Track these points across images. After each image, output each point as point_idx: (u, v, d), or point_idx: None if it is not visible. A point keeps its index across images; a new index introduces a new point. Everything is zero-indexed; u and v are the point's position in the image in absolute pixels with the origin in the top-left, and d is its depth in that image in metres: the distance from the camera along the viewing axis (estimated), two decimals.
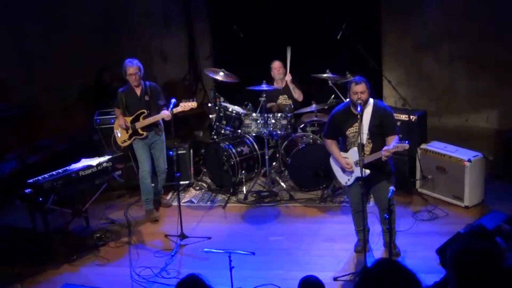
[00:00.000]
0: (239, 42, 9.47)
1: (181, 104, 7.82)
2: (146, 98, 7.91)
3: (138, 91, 7.92)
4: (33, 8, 9.30)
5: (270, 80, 9.03)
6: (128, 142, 8.05)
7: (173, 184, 8.22)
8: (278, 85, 9.12)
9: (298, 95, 9.06)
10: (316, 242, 7.22)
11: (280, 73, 9.10)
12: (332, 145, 6.61)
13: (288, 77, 9.06)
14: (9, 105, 9.21)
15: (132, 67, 7.76)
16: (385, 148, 6.14)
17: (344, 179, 6.63)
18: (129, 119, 7.95)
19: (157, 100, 7.94)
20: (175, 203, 8.41)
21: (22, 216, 7.46)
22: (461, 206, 7.74)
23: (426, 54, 9.26)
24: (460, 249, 3.64)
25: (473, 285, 3.57)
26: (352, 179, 6.51)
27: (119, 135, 8.12)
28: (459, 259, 3.60)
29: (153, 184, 8.19)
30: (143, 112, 7.89)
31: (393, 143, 6.15)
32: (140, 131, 7.92)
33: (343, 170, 6.56)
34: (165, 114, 7.72)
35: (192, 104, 7.88)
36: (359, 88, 6.24)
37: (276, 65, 9.11)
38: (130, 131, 7.97)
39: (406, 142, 6.10)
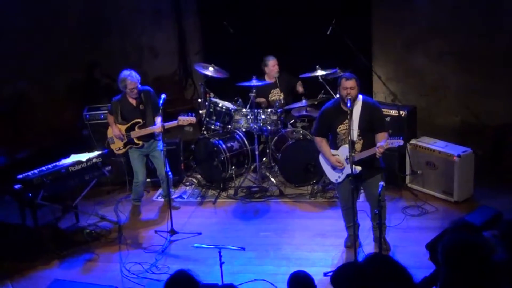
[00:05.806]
0: (229, 37, 9.45)
1: (180, 118, 7.71)
2: (141, 107, 7.78)
3: (133, 101, 7.77)
4: (21, 2, 9.23)
5: (261, 75, 9.00)
6: (123, 150, 7.91)
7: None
8: (269, 79, 9.09)
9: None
10: (306, 238, 7.23)
11: (275, 70, 9.05)
12: (322, 143, 6.57)
13: (300, 88, 9.13)
14: None
15: (133, 82, 7.59)
16: (378, 144, 6.12)
17: (334, 177, 6.62)
18: (123, 127, 7.80)
19: (151, 106, 7.78)
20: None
21: (12, 212, 7.45)
22: (451, 201, 7.76)
23: (416, 49, 9.25)
24: (452, 243, 3.67)
25: (465, 278, 3.60)
26: (342, 176, 6.49)
27: (113, 142, 7.93)
28: (452, 252, 3.63)
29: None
30: (139, 122, 7.76)
31: (385, 140, 6.13)
32: (136, 141, 7.80)
33: (334, 168, 6.55)
34: (157, 128, 7.58)
35: (191, 120, 7.78)
36: (349, 84, 6.23)
37: (272, 62, 9.03)
38: (125, 140, 7.84)
39: (400, 138, 6.10)
